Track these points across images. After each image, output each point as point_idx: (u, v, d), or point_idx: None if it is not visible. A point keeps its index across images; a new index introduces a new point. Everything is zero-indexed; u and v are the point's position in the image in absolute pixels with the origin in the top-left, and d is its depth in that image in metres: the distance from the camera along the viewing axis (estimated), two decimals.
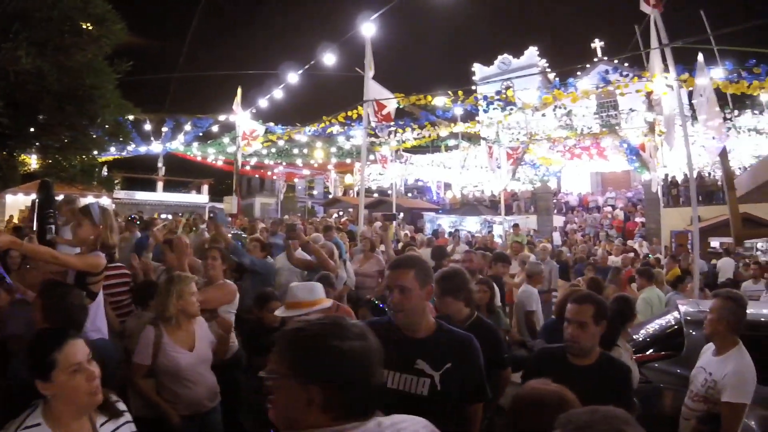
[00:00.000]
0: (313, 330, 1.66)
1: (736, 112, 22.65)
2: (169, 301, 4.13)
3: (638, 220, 27.99)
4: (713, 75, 14.16)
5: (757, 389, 3.98)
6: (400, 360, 2.84)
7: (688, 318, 5.73)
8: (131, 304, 5.53)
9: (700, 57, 9.16)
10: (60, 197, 8.79)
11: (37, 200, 5.31)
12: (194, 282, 4.32)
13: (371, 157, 27.49)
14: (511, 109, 19.81)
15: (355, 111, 18.21)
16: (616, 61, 30.16)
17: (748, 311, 5.65)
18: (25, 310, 3.90)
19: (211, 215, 8.13)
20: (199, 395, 4.15)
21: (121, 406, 2.69)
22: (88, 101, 9.82)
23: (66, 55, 9.35)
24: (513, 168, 23.32)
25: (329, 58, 14.84)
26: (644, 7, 10.34)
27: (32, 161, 15.16)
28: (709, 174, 26.68)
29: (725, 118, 21.36)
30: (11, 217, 28.51)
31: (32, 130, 9.76)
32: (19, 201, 32.02)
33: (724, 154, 7.99)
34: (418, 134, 23.75)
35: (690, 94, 13.07)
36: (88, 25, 9.94)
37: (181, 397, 4.06)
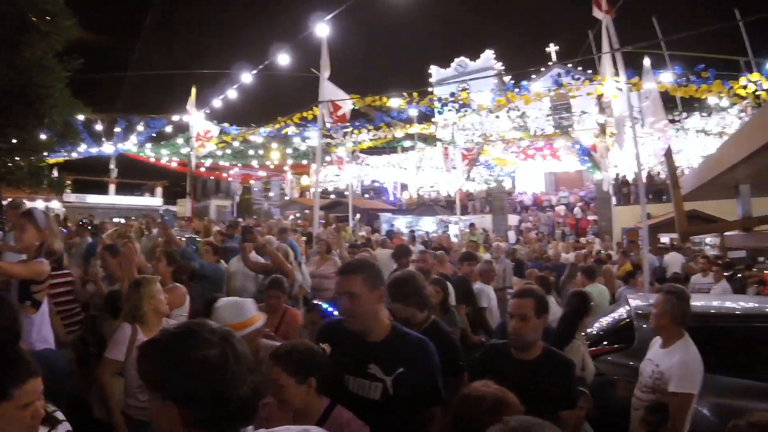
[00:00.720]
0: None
1: (684, 114, 23.39)
2: (141, 301, 4.21)
3: (591, 218, 28.64)
4: (663, 79, 14.64)
5: (708, 378, 4.12)
6: (354, 364, 2.87)
7: (638, 312, 5.88)
8: (80, 313, 5.41)
9: (647, 61, 9.45)
10: (5, 201, 8.55)
11: None
12: (158, 281, 4.39)
13: (327, 158, 27.46)
14: (466, 111, 20.07)
15: (310, 112, 18.13)
16: (569, 65, 30.74)
17: (697, 304, 5.92)
18: None
19: (161, 219, 8.00)
20: None
21: (59, 415, 2.58)
22: (36, 100, 9.52)
23: (16, 52, 9.08)
24: (468, 169, 23.61)
25: (284, 58, 14.75)
26: (597, 13, 10.61)
27: None
28: (658, 173, 27.43)
29: (672, 120, 22.09)
30: None
31: None
32: None
33: (669, 154, 8.26)
34: (373, 135, 23.84)
35: (639, 97, 13.46)
36: (39, 20, 9.67)
37: None
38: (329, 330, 3.13)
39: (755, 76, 15.04)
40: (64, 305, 5.19)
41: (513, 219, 31.06)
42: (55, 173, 27.65)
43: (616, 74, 10.68)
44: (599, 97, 16.79)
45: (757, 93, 14.79)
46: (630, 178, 27.89)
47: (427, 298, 4.38)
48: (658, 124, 8.84)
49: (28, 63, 9.28)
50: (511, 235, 26.70)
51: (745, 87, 14.82)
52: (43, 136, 11.26)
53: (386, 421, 2.74)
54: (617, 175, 26.51)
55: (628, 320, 6.05)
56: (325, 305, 4.72)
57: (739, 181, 13.28)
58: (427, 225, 29.15)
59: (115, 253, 5.94)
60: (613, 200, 26.54)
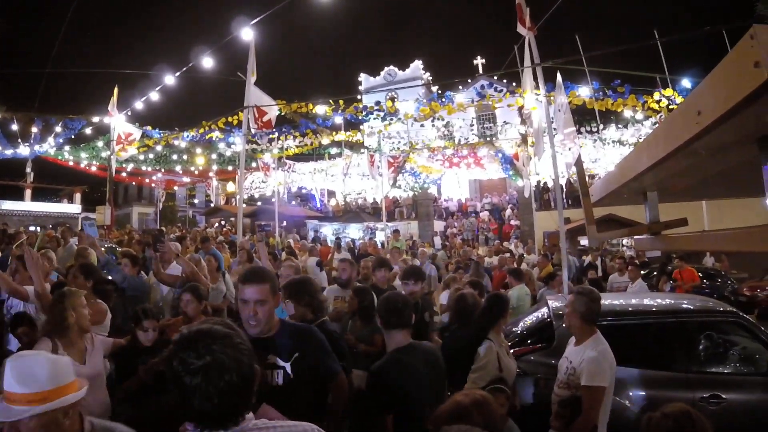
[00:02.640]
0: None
1: (602, 125, 24.45)
2: (66, 314, 4.04)
3: (513, 222, 29.44)
4: (581, 92, 15.29)
5: (625, 371, 4.36)
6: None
7: (558, 312, 6.12)
8: None
9: (559, 77, 9.85)
10: None
11: None
12: (83, 295, 4.24)
13: (253, 164, 27.20)
14: (392, 119, 20.32)
15: (235, 117, 17.95)
16: (494, 77, 31.61)
17: (613, 302, 6.24)
18: None
19: (82, 228, 7.63)
20: (94, 411, 3.90)
21: None
22: None
23: None
24: (394, 176, 23.91)
25: (209, 61, 14.60)
26: (521, 29, 11.01)
27: None
28: (576, 180, 28.47)
29: (590, 131, 23.06)
30: None
31: None
32: None
33: (578, 163, 8.67)
34: (299, 142, 23.76)
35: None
36: None
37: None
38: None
39: (669, 91, 15.95)
40: None
41: (439, 225, 31.60)
42: None
43: (537, 87, 11.09)
44: (520, 108, 17.36)
45: (670, 107, 15.66)
46: (550, 184, 28.83)
47: (319, 302, 4.68)
48: (569, 135, 9.25)
49: None
50: (437, 241, 27.13)
51: (658, 101, 15.68)
52: None
53: (291, 402, 2.98)
54: (538, 182, 27.37)
55: (548, 320, 6.29)
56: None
57: (646, 189, 13.96)
58: (354, 232, 29.27)
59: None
60: (534, 206, 27.43)
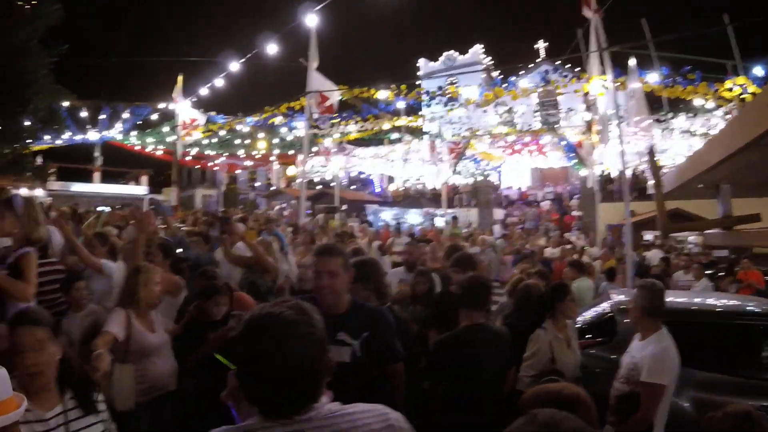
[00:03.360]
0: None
1: (670, 114, 23.56)
2: (138, 288, 4.32)
3: (575, 213, 28.77)
4: (649, 79, 14.76)
5: (688, 373, 4.20)
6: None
7: (620, 306, 5.96)
8: (66, 302, 5.37)
9: (632, 62, 9.53)
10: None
11: None
12: (158, 273, 4.49)
13: (314, 149, 27.41)
14: (454, 105, 20.10)
15: (297, 102, 18.12)
16: (557, 62, 30.88)
17: (675, 300, 6.00)
18: None
19: (152, 207, 7.95)
20: (165, 374, 4.37)
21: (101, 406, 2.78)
22: (18, 86, 9.41)
23: None
24: (454, 162, 23.71)
25: (272, 48, 14.72)
26: (586, 12, 10.69)
27: None
28: (642, 172, 27.60)
29: (659, 120, 22.26)
30: None
31: None
32: None
33: (651, 153, 8.35)
34: (360, 127, 23.81)
35: (625, 97, 13.60)
36: (22, 4, 9.58)
37: (148, 376, 4.21)
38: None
39: (741, 79, 15.23)
40: (49, 294, 5.04)
41: (499, 213, 31.16)
42: (38, 161, 27.46)
43: (603, 73, 10.77)
44: (586, 94, 16.90)
45: (742, 96, 14.98)
46: (614, 175, 28.06)
47: (385, 286, 4.87)
48: (643, 123, 8.93)
49: (10, 48, 9.17)
50: (497, 229, 26.78)
51: (730, 90, 15.00)
52: (26, 123, 11.12)
53: (356, 379, 3.06)
54: (602, 171, 26.66)
55: (610, 315, 6.13)
56: None
57: (719, 181, 13.45)
58: (413, 218, 29.14)
59: (105, 242, 6.03)
60: (597, 197, 26.67)
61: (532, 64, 31.35)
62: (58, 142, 27.93)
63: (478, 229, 22.43)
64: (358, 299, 3.61)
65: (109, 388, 3.74)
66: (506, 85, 17.94)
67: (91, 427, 2.63)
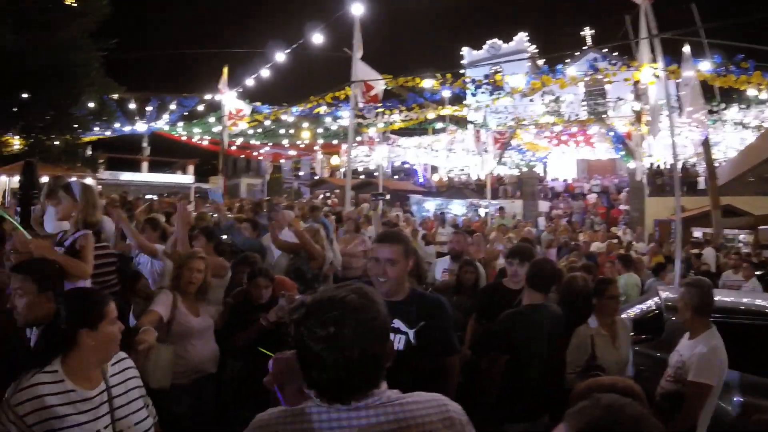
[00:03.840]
0: None
1: (723, 105, 22.76)
2: (183, 273, 4.51)
3: (622, 207, 28.10)
4: (701, 68, 14.27)
5: (732, 374, 4.06)
6: None
7: (668, 304, 5.80)
8: (117, 284, 5.50)
9: (686, 49, 9.18)
10: (44, 178, 8.70)
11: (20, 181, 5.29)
12: (202, 260, 4.62)
13: (358, 138, 27.44)
14: (499, 94, 19.79)
15: (342, 92, 18.13)
16: (605, 50, 30.09)
17: (724, 299, 5.81)
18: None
19: (198, 195, 8.13)
20: (206, 357, 4.53)
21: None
22: (71, 79, 9.72)
23: (49, 32, 9.23)
24: (499, 152, 23.45)
25: (317, 38, 14.79)
26: None
27: (15, 142, 15.22)
28: (693, 165, 26.89)
29: (711, 111, 21.52)
30: None
31: (15, 109, 9.66)
32: (1, 182, 31.79)
33: (706, 145, 8.04)
34: (405, 116, 23.74)
35: (677, 86, 13.20)
36: (72, 1, 9.85)
37: (188, 359, 4.35)
38: None
39: None
40: (102, 277, 5.16)
41: (544, 205, 30.65)
42: (89, 151, 28.32)
43: (654, 61, 10.48)
44: (636, 83, 16.45)
45: None
46: (664, 168, 27.40)
47: (423, 271, 5.02)
48: (696, 114, 8.63)
49: (62, 43, 9.45)
50: (541, 222, 26.34)
51: None
52: (77, 115, 11.45)
53: (408, 369, 2.95)
54: (651, 164, 26.01)
55: (657, 312, 5.99)
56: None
57: None
58: (457, 208, 28.89)
59: (156, 227, 6.31)
60: (646, 190, 25.98)
61: (578, 52, 30.63)
62: (108, 133, 28.64)
63: (522, 222, 22.17)
64: (416, 289, 3.59)
65: (146, 366, 3.80)
66: (553, 73, 17.54)
67: (133, 402, 2.74)
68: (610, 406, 1.34)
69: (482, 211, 25.87)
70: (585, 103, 30.40)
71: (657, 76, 10.70)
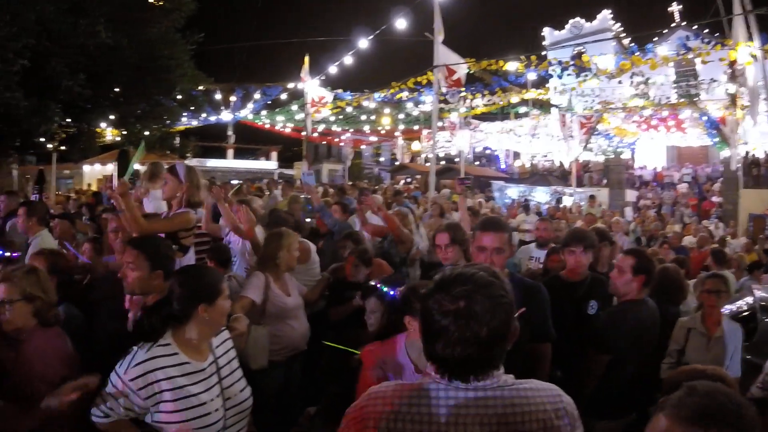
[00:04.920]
0: None
1: None
2: (280, 252, 4.59)
3: (715, 199, 26.53)
4: None
5: None
6: None
7: (763, 304, 5.49)
8: (209, 263, 5.66)
9: None
10: (140, 167, 9.12)
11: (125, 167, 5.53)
12: (297, 239, 4.78)
13: (439, 123, 27.25)
14: (586, 76, 19.11)
15: (424, 77, 18.02)
16: (695, 27, 28.52)
17: None
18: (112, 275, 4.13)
19: (285, 180, 8.34)
20: (298, 336, 4.66)
21: None
22: (164, 72, 10.24)
23: (140, 29, 9.78)
24: (586, 138, 22.71)
25: (398, 23, 14.78)
26: None
27: (108, 133, 16.05)
28: None
29: None
30: (89, 185, 29.81)
31: (110, 101, 10.23)
32: (96, 171, 33.71)
33: None
34: (488, 101, 23.39)
35: None
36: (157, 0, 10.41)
37: (283, 338, 4.50)
38: None
39: None
40: (198, 254, 5.32)
41: (631, 194, 29.24)
42: (177, 140, 29.62)
43: (750, 39, 9.89)
44: (732, 64, 15.51)
45: None
46: (762, 157, 25.89)
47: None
48: None
49: (153, 39, 9.96)
50: (628, 212, 25.16)
51: None
52: (169, 106, 12.00)
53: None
54: (747, 153, 24.55)
55: (750, 313, 5.68)
56: (385, 288, 3.94)
57: None
58: (541, 195, 28.11)
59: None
60: (741, 181, 24.33)
61: (666, 30, 29.17)
62: (194, 122, 29.70)
63: (609, 211, 21.36)
64: (515, 274, 3.61)
65: (245, 348, 3.91)
66: (643, 53, 16.80)
67: (235, 371, 2.87)
68: (709, 393, 1.38)
69: (567, 200, 25.07)
70: (676, 85, 29.00)
71: (754, 56, 10.10)
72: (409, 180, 32.89)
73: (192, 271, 3.10)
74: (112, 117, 11.63)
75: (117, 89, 10.15)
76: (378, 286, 3.87)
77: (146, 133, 12.76)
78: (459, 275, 1.68)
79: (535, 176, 31.77)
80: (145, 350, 2.56)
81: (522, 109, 28.23)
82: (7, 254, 4.71)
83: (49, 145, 12.93)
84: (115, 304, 3.80)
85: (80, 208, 10.34)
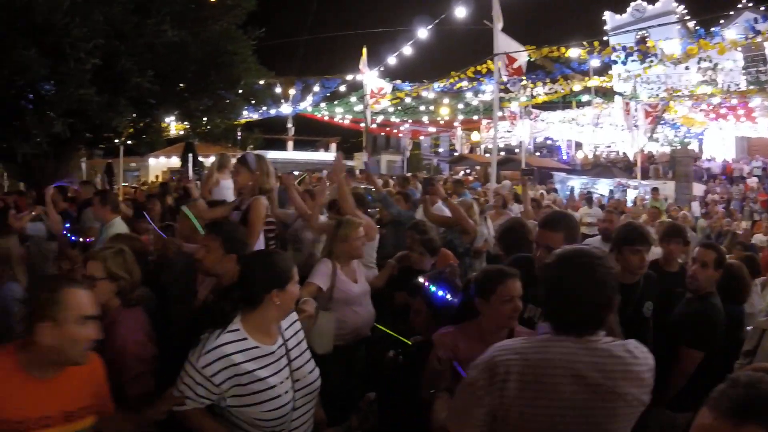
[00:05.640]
0: None
1: None
2: (334, 242, 4.64)
3: None
4: None
5: None
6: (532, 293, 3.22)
7: None
8: (277, 248, 5.77)
9: None
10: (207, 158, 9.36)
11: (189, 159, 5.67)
12: (360, 227, 4.73)
13: (499, 113, 26.93)
14: (651, 62, 18.48)
15: (484, 65, 17.79)
16: (762, 8, 27.12)
17: None
18: (183, 258, 4.37)
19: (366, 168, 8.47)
20: (363, 323, 4.69)
21: None
22: (228, 67, 10.59)
23: (204, 26, 10.13)
24: (651, 127, 22.06)
25: (458, 12, 14.64)
26: None
27: (172, 127, 16.47)
28: None
29: None
30: (157, 177, 30.81)
31: (176, 96, 10.62)
32: (161, 163, 34.82)
33: None
34: (549, 89, 23.00)
35: None
36: None
37: (349, 323, 4.53)
38: (520, 264, 3.39)
39: None
40: (268, 241, 5.50)
41: (698, 188, 27.88)
42: (239, 132, 30.56)
43: None
44: None
45: None
46: None
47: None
48: None
49: (217, 35, 10.35)
50: (695, 207, 23.96)
51: None
52: (228, 100, 12.37)
53: None
54: None
55: None
56: (433, 288, 3.72)
57: None
58: (604, 188, 27.17)
59: (313, 197, 6.58)
60: None
61: (732, 12, 27.86)
62: (255, 115, 30.25)
63: (675, 206, 20.53)
64: None
65: (310, 333, 3.92)
66: (710, 37, 16.13)
67: (303, 353, 2.92)
68: (749, 384, 1.37)
69: (630, 193, 24.12)
70: (745, 71, 27.81)
71: None
72: (468, 171, 32.64)
73: (265, 256, 3.18)
74: (177, 111, 12.05)
75: (182, 85, 10.53)
76: (426, 285, 3.71)
77: (217, 125, 13.24)
78: (579, 250, 2.11)
79: (598, 167, 30.87)
80: (215, 337, 2.60)
81: (584, 98, 27.67)
82: (81, 239, 4.91)
83: (117, 140, 13.45)
84: (186, 285, 3.97)
85: (148, 198, 10.72)
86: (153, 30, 8.64)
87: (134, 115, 10.69)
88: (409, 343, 3.69)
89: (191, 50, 9.66)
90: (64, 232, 5.19)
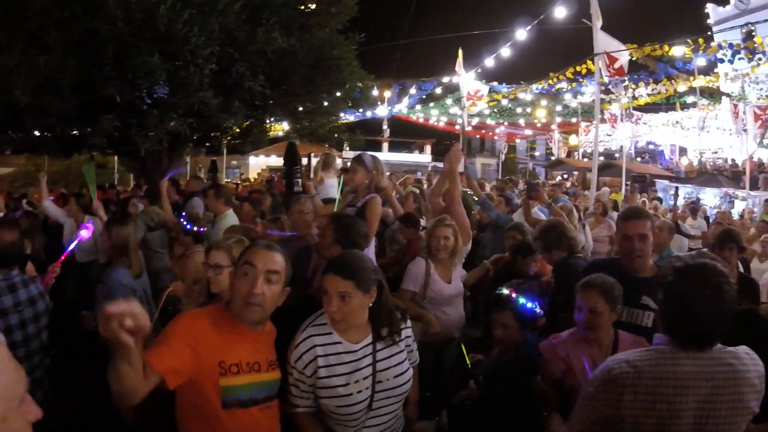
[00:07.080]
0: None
1: None
2: (431, 241, 4.76)
3: None
4: None
5: None
6: (628, 296, 3.23)
7: None
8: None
9: None
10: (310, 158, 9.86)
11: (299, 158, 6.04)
12: (451, 228, 4.80)
13: (598, 115, 26.22)
14: (759, 59, 17.29)
15: (584, 66, 17.39)
16: None
17: None
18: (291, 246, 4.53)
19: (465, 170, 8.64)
20: (453, 323, 4.78)
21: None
22: (335, 71, 11.09)
23: (310, 33, 10.64)
24: (761, 132, 20.80)
25: (557, 11, 14.41)
26: None
27: (271, 127, 17.17)
28: None
29: None
30: (259, 173, 32.14)
31: (284, 98, 11.18)
32: (260, 161, 36.29)
33: None
34: (652, 90, 22.16)
35: None
36: (328, 4, 11.32)
37: (438, 325, 4.58)
38: (601, 267, 3.47)
39: None
40: None
41: None
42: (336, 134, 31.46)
43: None
44: None
45: None
46: None
47: (577, 244, 4.77)
48: None
49: (322, 42, 10.91)
50: None
51: None
52: (326, 104, 12.85)
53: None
54: None
55: None
56: (521, 300, 3.55)
57: None
58: (709, 198, 25.09)
59: (416, 199, 7.18)
60: None
61: None
62: (350, 117, 30.86)
63: None
64: (662, 267, 3.54)
65: None
66: None
67: (394, 356, 2.89)
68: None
69: (739, 204, 22.27)
70: None
71: None
72: (565, 176, 31.98)
73: (361, 257, 3.17)
74: (282, 112, 12.69)
75: (290, 87, 11.16)
76: (514, 297, 3.52)
77: (322, 126, 13.92)
78: (703, 265, 2.08)
79: (704, 175, 29.23)
80: (302, 330, 2.75)
81: (689, 99, 26.49)
82: (195, 228, 5.18)
83: (223, 139, 14.28)
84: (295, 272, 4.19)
85: (251, 194, 11.41)
86: (264, 38, 9.20)
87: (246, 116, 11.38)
88: (469, 364, 3.69)
89: (300, 56, 10.25)
90: (181, 220, 5.46)
